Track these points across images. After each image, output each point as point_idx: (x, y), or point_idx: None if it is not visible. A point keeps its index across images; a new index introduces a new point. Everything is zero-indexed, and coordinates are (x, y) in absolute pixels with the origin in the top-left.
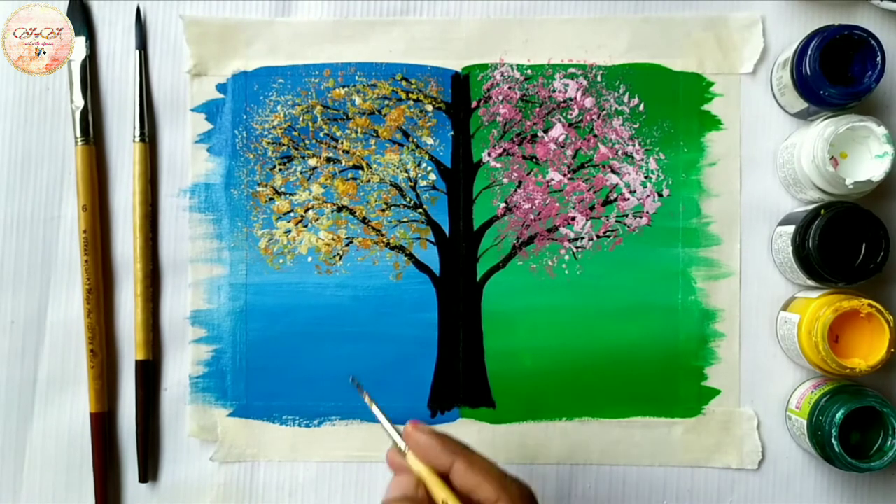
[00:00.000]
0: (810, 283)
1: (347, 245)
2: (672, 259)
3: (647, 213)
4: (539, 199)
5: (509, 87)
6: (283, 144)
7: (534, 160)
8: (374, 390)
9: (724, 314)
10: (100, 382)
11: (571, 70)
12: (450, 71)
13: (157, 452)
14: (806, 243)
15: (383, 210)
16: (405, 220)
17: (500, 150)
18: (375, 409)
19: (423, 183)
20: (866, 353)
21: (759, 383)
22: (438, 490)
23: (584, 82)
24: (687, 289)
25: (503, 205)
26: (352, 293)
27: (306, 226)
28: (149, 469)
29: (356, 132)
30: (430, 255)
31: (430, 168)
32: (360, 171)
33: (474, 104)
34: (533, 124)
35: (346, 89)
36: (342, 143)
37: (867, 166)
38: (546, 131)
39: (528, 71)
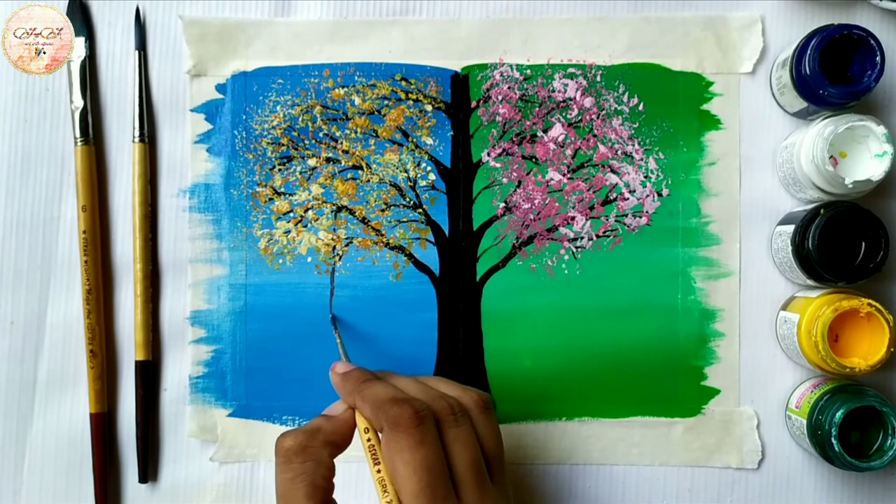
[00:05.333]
0: (810, 282)
1: (347, 245)
2: (672, 259)
3: (647, 212)
4: (539, 199)
5: (509, 87)
6: (283, 145)
7: (533, 160)
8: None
9: (724, 314)
10: (100, 383)
11: (571, 70)
12: (449, 71)
13: (157, 452)
14: (805, 243)
15: (383, 210)
16: (405, 220)
17: (499, 150)
18: (339, 342)
19: (422, 183)
20: (866, 353)
21: (759, 383)
22: (359, 419)
23: (584, 82)
24: (687, 288)
25: (503, 205)
26: (351, 293)
27: (306, 226)
28: (149, 469)
29: (356, 132)
30: (430, 255)
31: (429, 168)
32: (360, 172)
33: (474, 104)
34: (532, 124)
35: (346, 89)
36: (342, 143)
37: (867, 166)
38: (545, 131)
39: (528, 71)
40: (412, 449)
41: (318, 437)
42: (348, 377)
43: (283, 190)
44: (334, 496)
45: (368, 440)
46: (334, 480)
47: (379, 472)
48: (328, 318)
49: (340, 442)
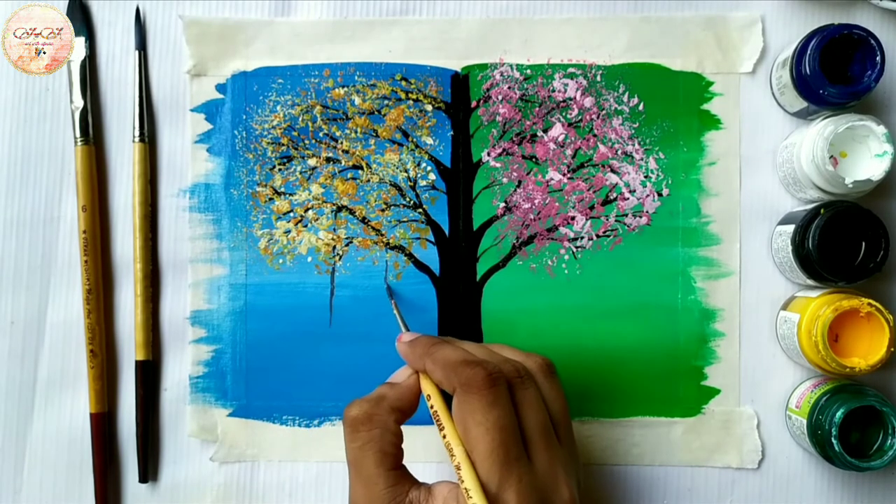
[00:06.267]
0: (810, 282)
1: (347, 245)
2: (672, 259)
3: (647, 212)
4: (539, 199)
5: (509, 87)
6: (283, 144)
7: (533, 160)
8: (374, 390)
9: (724, 314)
10: (100, 383)
11: (571, 70)
12: (449, 71)
13: (157, 452)
14: (806, 242)
15: (383, 210)
16: (405, 219)
17: (499, 150)
18: (396, 313)
19: (422, 183)
20: (866, 353)
21: (759, 383)
22: (424, 385)
23: (584, 82)
24: (687, 288)
25: (503, 204)
26: (352, 293)
27: (306, 226)
28: (149, 469)
29: (356, 132)
30: (430, 255)
31: (429, 168)
32: (360, 171)
33: (474, 104)
34: (532, 124)
35: (346, 89)
36: (342, 142)
37: (867, 165)
38: (545, 131)
39: (528, 71)
40: (484, 410)
41: (382, 405)
42: (416, 343)
43: (283, 190)
44: (338, 496)
45: (431, 406)
46: (339, 482)
47: (444, 437)
48: (328, 319)
49: (406, 408)
